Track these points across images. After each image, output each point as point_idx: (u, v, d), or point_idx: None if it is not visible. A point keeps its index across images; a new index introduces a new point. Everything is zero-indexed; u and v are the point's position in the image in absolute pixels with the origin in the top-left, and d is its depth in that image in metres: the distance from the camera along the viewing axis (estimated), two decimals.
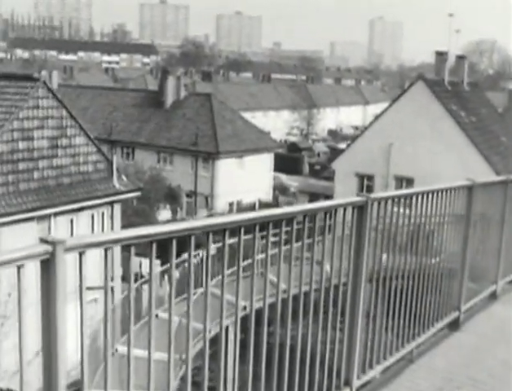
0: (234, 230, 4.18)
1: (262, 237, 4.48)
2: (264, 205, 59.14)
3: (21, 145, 27.16)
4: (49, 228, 28.06)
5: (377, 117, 50.28)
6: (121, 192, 30.52)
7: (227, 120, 61.40)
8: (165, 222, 49.37)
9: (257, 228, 4.31)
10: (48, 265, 3.15)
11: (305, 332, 4.85)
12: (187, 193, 57.75)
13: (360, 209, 5.47)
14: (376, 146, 44.72)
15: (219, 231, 4.07)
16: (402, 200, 6.36)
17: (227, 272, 4.23)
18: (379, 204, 5.70)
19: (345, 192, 46.51)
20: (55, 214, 28.03)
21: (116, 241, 3.66)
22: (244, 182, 56.99)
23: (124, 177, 31.23)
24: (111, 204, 30.49)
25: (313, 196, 56.11)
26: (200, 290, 4.67)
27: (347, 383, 5.55)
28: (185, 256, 4.03)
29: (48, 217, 27.87)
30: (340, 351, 5.48)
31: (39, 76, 29.40)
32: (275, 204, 60.49)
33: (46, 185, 27.78)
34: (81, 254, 3.32)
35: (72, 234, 29.05)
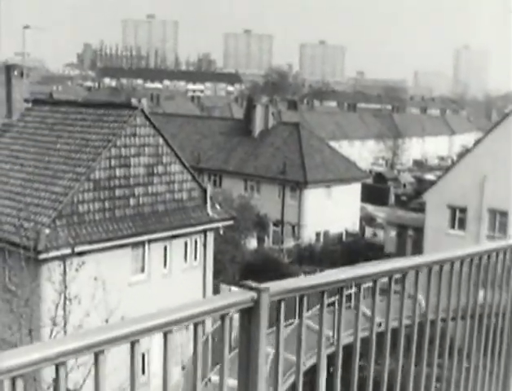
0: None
1: None
2: (351, 236, 58.56)
3: (118, 172, 27.47)
4: (143, 255, 28.26)
5: (470, 148, 49.29)
6: (215, 220, 30.54)
7: (315, 149, 61.19)
8: (253, 251, 49.40)
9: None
10: (250, 313, 2.93)
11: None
12: (273, 222, 57.61)
13: None
14: (469, 177, 43.68)
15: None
16: None
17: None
18: None
19: (437, 225, 45.62)
20: (150, 241, 28.20)
21: (318, 286, 3.39)
22: (331, 211, 56.53)
23: (218, 206, 31.28)
24: (204, 232, 30.54)
25: (401, 228, 55.13)
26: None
27: None
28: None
29: (142, 243, 28.06)
30: None
31: (137, 104, 29.78)
32: (361, 234, 59.84)
33: (141, 212, 27.99)
34: (280, 301, 3.09)
35: (165, 261, 29.20)
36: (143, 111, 28.63)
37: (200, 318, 2.74)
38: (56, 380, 2.43)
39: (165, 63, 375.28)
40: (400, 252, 50.88)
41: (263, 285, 2.93)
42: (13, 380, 2.26)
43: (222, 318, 2.88)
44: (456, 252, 4.56)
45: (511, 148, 41.47)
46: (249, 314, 2.94)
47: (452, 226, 45.77)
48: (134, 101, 33.82)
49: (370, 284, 3.87)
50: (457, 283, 4.42)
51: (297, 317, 3.75)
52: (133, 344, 2.56)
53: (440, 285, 4.25)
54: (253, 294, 2.91)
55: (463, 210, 45.13)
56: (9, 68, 33.45)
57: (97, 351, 2.45)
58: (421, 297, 4.20)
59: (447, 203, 45.53)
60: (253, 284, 2.93)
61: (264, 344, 2.98)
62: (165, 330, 2.63)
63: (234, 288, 41.00)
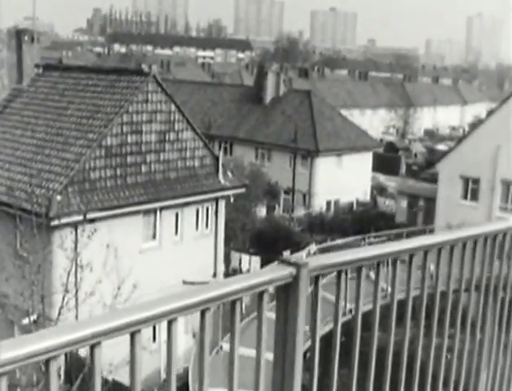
0: None
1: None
2: (362, 205, 58.37)
3: (130, 139, 27.30)
4: (154, 222, 28.19)
5: (483, 119, 48.77)
6: (227, 188, 30.39)
7: (327, 117, 60.80)
8: (264, 219, 49.30)
9: None
10: (288, 289, 2.78)
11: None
12: (284, 190, 57.46)
13: None
14: (483, 148, 43.22)
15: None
16: None
17: None
18: None
19: (449, 195, 45.34)
20: (161, 208, 28.10)
21: (357, 261, 3.23)
22: (342, 180, 56.28)
23: (229, 173, 31.12)
24: (216, 199, 30.42)
25: (412, 198, 54.87)
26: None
27: None
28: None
29: (154, 211, 27.98)
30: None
31: (150, 70, 29.50)
32: (373, 204, 59.63)
33: (152, 179, 27.86)
34: (318, 276, 2.94)
35: (176, 228, 29.13)
36: (155, 77, 28.34)
37: (237, 295, 2.60)
38: (92, 362, 2.29)
39: (176, 29, 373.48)
40: (411, 223, 50.70)
41: (303, 260, 2.78)
42: (47, 362, 2.13)
43: (260, 295, 2.73)
44: (474, 230, 4.36)
45: None
46: (287, 291, 2.80)
47: (465, 197, 45.45)
48: (144, 67, 33.47)
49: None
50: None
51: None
52: (170, 323, 2.42)
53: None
54: (292, 270, 2.76)
55: (476, 181, 44.77)
56: (19, 33, 33.11)
57: (133, 331, 2.32)
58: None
59: (460, 173, 45.17)
60: (292, 259, 2.78)
61: (303, 322, 2.84)
62: (204, 307, 2.49)
63: (245, 256, 41.06)
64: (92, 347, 2.26)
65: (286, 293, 2.80)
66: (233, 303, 2.63)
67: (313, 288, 2.97)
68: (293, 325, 2.81)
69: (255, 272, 2.71)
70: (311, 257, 2.96)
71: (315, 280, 2.96)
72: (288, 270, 2.76)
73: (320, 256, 3.03)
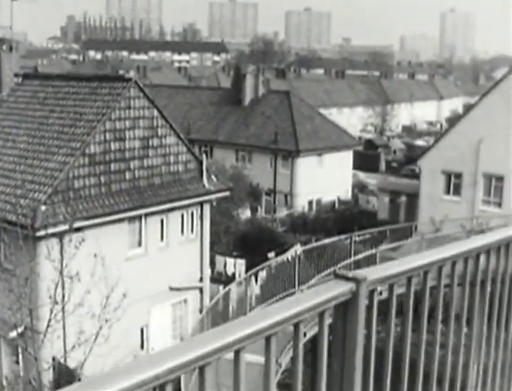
0: None
1: None
2: (343, 203, 58.35)
3: (113, 146, 26.99)
4: (140, 229, 27.92)
5: (463, 113, 48.90)
6: (212, 192, 30.16)
7: (306, 117, 60.75)
8: (247, 221, 49.08)
9: None
10: (347, 306, 2.61)
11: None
12: (266, 191, 57.31)
13: None
14: (464, 142, 43.35)
15: None
16: None
17: None
18: None
19: (431, 191, 45.43)
20: (146, 215, 27.84)
21: (418, 268, 3.06)
22: (323, 180, 56.32)
23: (213, 177, 30.88)
24: (200, 204, 30.18)
25: (394, 194, 54.92)
26: None
27: None
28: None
29: (139, 217, 27.71)
30: None
31: (131, 76, 29.22)
32: (354, 202, 59.63)
33: (137, 185, 27.57)
34: (373, 290, 2.77)
35: (162, 234, 28.88)
36: (136, 82, 28.07)
37: (301, 317, 2.42)
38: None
39: (150, 34, 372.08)
40: (394, 219, 50.72)
41: (361, 275, 2.61)
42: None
43: (321, 314, 2.56)
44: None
45: (508, 111, 41.16)
46: (345, 307, 2.63)
47: (447, 192, 45.58)
48: (122, 73, 33.15)
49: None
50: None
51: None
52: (237, 353, 2.24)
53: None
54: (352, 285, 2.60)
55: (458, 176, 44.91)
56: None
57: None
58: None
59: (441, 168, 45.29)
60: (351, 274, 2.60)
61: (362, 338, 2.67)
62: (269, 333, 2.31)
63: (229, 260, 40.82)
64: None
65: (344, 309, 2.63)
66: (296, 325, 2.45)
67: (369, 302, 2.80)
68: (352, 342, 2.65)
69: (314, 291, 2.53)
70: (367, 270, 2.79)
71: (371, 294, 2.79)
72: (347, 286, 2.59)
73: (376, 268, 2.86)
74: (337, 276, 2.62)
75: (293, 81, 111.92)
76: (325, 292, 2.55)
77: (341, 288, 2.57)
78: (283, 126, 58.46)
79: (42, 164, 26.11)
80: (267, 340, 2.35)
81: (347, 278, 2.60)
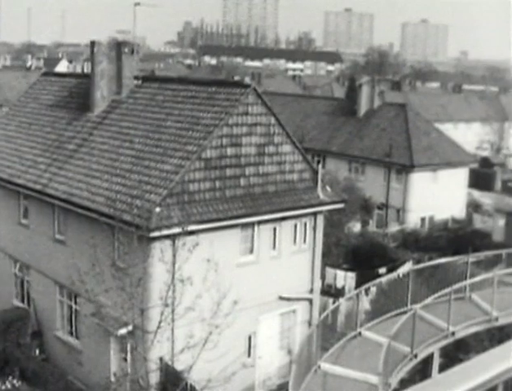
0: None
1: None
2: (457, 222, 56.73)
3: (229, 151, 26.86)
4: (252, 236, 27.72)
5: None
6: (326, 203, 29.64)
7: (422, 131, 59.45)
8: (358, 234, 48.37)
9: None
10: None
11: None
12: (377, 205, 56.37)
13: None
14: None
15: None
16: None
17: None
18: None
19: None
20: (259, 222, 27.60)
21: None
22: (437, 196, 55.03)
23: (328, 188, 30.35)
24: (314, 214, 29.71)
25: (510, 216, 52.95)
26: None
27: None
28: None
29: (252, 224, 27.49)
30: None
31: (250, 82, 29.07)
32: (468, 221, 57.89)
33: (251, 192, 27.34)
34: None
35: (274, 243, 28.60)
36: (255, 89, 27.84)
37: None
38: None
39: (265, 42, 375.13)
40: (509, 242, 48.85)
41: None
42: None
43: None
44: None
45: None
46: None
47: None
48: (237, 79, 33.16)
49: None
50: None
51: None
52: None
53: None
54: None
55: None
56: (120, 45, 33.28)
57: None
58: None
59: None
60: None
61: None
62: None
63: (340, 272, 40.24)
64: None
65: None
66: None
67: None
68: None
69: None
70: None
71: None
72: None
73: None
74: None
75: (409, 93, 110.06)
76: None
77: None
78: (398, 139, 57.43)
79: (158, 166, 26.24)
80: None
81: None
